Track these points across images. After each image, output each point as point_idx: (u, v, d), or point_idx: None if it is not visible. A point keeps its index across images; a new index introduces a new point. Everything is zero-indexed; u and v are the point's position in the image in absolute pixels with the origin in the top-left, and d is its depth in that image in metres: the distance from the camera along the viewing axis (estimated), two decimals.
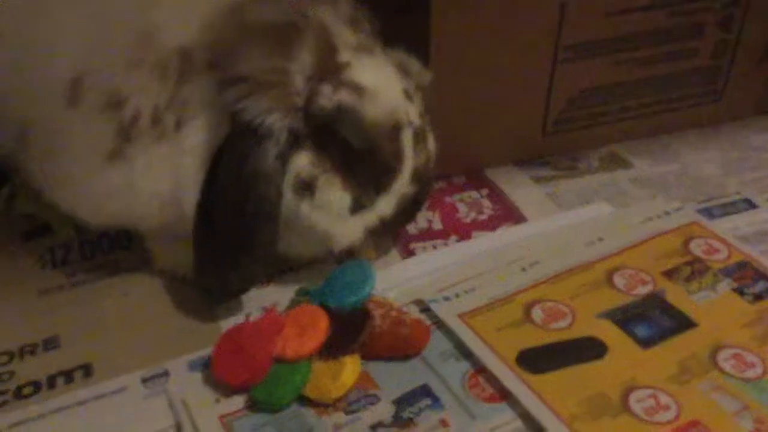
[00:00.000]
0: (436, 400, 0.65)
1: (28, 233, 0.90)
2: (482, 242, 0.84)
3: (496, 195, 0.92)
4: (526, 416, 0.62)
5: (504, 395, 0.64)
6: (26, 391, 0.69)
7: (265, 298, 0.77)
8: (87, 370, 0.71)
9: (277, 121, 0.66)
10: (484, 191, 0.93)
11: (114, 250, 0.86)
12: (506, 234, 0.85)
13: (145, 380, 0.69)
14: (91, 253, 0.86)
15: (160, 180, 0.72)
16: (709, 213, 0.86)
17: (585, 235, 0.81)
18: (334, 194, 0.70)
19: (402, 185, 0.72)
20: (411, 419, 0.63)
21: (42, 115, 0.73)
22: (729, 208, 0.87)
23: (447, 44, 0.85)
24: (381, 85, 0.69)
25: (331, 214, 0.71)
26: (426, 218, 0.88)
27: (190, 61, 0.69)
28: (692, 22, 0.94)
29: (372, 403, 0.65)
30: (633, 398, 0.63)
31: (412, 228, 0.87)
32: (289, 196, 0.69)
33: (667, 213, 0.84)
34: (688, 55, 0.97)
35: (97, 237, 0.88)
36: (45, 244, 0.88)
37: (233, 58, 0.66)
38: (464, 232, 0.86)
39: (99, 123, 0.71)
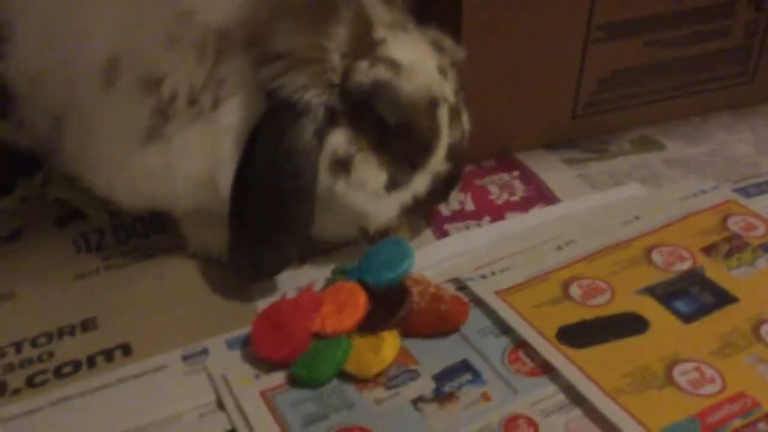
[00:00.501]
0: (476, 375, 0.64)
1: (62, 218, 0.90)
2: (516, 222, 0.83)
3: (527, 177, 0.92)
4: (568, 389, 0.62)
5: (545, 369, 0.64)
6: (66, 370, 0.70)
7: (300, 279, 0.77)
8: (126, 349, 0.71)
9: (314, 98, 0.66)
10: (515, 173, 0.92)
11: (148, 233, 0.87)
12: (540, 214, 0.84)
13: (185, 358, 0.69)
14: (125, 237, 0.86)
15: (197, 160, 0.72)
16: (744, 192, 0.85)
17: (620, 214, 0.81)
18: (370, 172, 0.70)
19: (437, 162, 0.72)
20: (452, 393, 0.63)
21: (78, 97, 0.74)
22: (765, 187, 0.87)
23: (478, 26, 0.85)
24: (416, 61, 0.69)
25: (367, 192, 0.71)
26: (458, 200, 0.88)
27: (227, 40, 0.69)
28: (724, 1, 0.93)
29: (412, 379, 0.64)
30: (677, 371, 0.62)
31: (444, 209, 0.86)
32: (324, 174, 0.69)
33: (703, 192, 0.84)
34: (719, 35, 0.96)
35: (131, 221, 0.88)
36: (79, 229, 0.88)
37: (270, 35, 0.66)
38: (497, 213, 0.86)
39: (135, 103, 0.71)
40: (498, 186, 0.90)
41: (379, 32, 0.69)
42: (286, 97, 0.66)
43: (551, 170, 0.93)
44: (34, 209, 0.92)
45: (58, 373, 0.69)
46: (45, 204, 0.92)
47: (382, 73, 0.67)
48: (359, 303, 0.67)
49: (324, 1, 0.67)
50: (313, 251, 0.80)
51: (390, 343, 0.65)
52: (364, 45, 0.68)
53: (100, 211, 0.89)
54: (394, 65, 0.68)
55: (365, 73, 0.67)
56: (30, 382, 0.68)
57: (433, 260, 0.78)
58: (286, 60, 0.66)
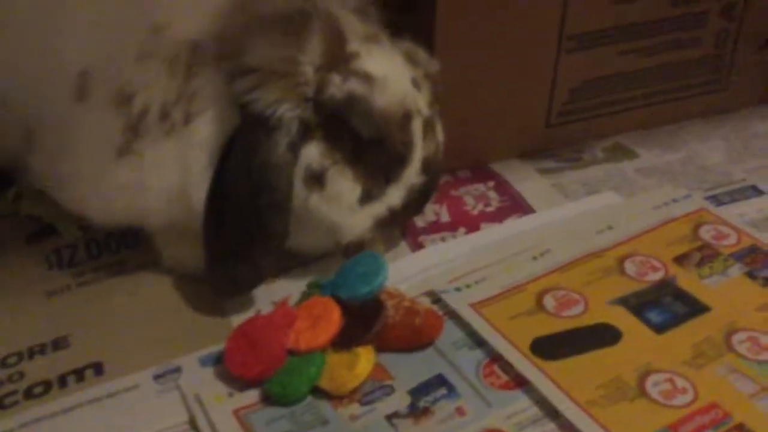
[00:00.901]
0: (451, 389, 0.64)
1: (34, 235, 0.89)
2: (491, 233, 0.83)
3: (502, 187, 0.92)
4: (542, 402, 0.62)
5: (519, 383, 0.64)
6: (37, 390, 0.68)
7: (275, 293, 0.76)
8: (98, 368, 0.70)
9: (288, 112, 0.66)
10: (490, 183, 0.93)
11: (121, 249, 0.86)
12: (515, 224, 0.85)
13: (157, 377, 0.68)
14: (98, 253, 0.85)
15: (170, 175, 0.72)
16: (716, 200, 0.86)
17: (594, 223, 0.81)
18: (345, 185, 0.70)
19: (412, 175, 0.72)
20: (427, 408, 0.63)
21: (50, 112, 0.73)
22: (736, 195, 0.87)
23: (451, 38, 0.85)
24: (390, 74, 0.69)
25: (341, 205, 0.71)
26: (433, 211, 0.88)
27: (199, 53, 0.69)
28: (695, 11, 0.94)
29: (387, 394, 0.64)
30: (650, 382, 0.62)
31: (420, 221, 0.86)
32: (299, 187, 0.69)
33: (675, 200, 0.84)
34: (691, 45, 0.97)
35: (104, 236, 0.87)
36: (51, 246, 0.87)
37: (242, 49, 0.66)
38: (472, 225, 0.86)
39: (107, 118, 0.71)
40: (473, 197, 0.91)
41: (353, 45, 0.69)
42: (260, 111, 0.66)
43: (526, 180, 0.93)
44: (5, 225, 0.90)
45: (29, 393, 0.68)
46: (16, 220, 0.91)
47: (355, 86, 0.67)
48: (333, 318, 0.66)
49: (297, 15, 0.67)
50: (289, 265, 0.80)
51: (365, 359, 0.65)
52: (338, 58, 0.68)
53: (73, 227, 0.88)
54: (368, 78, 0.68)
55: (339, 86, 0.67)
56: (0, 404, 0.67)
57: (408, 273, 0.77)
58: (259, 74, 0.65)
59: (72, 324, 0.75)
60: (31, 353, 0.73)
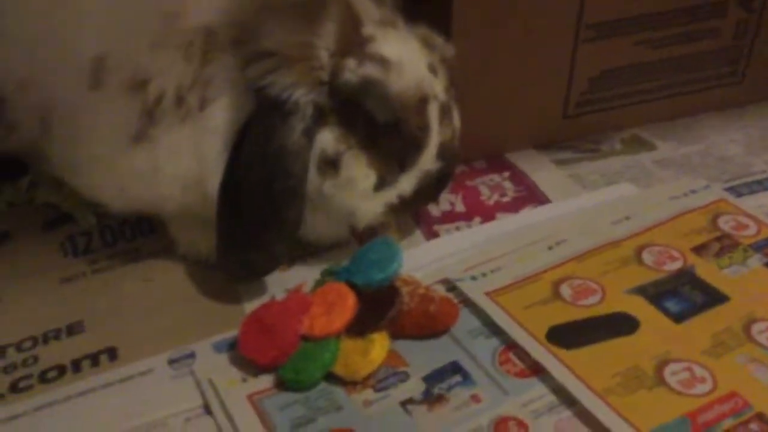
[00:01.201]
0: (466, 377, 0.64)
1: (50, 222, 0.89)
2: (507, 223, 0.83)
3: (518, 177, 0.91)
4: (558, 390, 0.62)
5: (535, 370, 0.64)
6: (51, 374, 0.69)
7: (289, 281, 0.76)
8: (112, 353, 0.70)
9: (303, 96, 0.65)
10: (506, 174, 0.92)
11: (136, 236, 0.86)
12: (531, 214, 0.84)
13: (171, 362, 0.68)
14: (113, 240, 0.85)
15: (184, 161, 0.71)
16: (735, 191, 0.85)
17: (611, 213, 0.80)
18: (360, 170, 0.69)
19: (427, 160, 0.71)
20: (442, 395, 0.62)
21: (65, 99, 0.73)
22: (755, 187, 0.86)
23: (468, 27, 0.84)
24: (406, 57, 0.68)
25: (356, 191, 0.70)
26: (448, 201, 0.87)
27: (214, 39, 0.68)
28: (714, 1, 0.93)
29: (402, 380, 0.64)
30: (668, 371, 0.62)
31: (435, 210, 0.86)
32: (313, 173, 0.69)
33: (694, 191, 0.83)
34: (710, 36, 0.96)
35: (119, 224, 0.87)
36: (66, 233, 0.87)
37: (257, 33, 0.65)
38: (488, 214, 0.85)
39: (123, 104, 0.71)
40: (489, 187, 0.90)
41: (368, 29, 0.68)
42: (275, 95, 0.65)
43: (542, 171, 0.92)
44: (22, 213, 0.91)
45: (43, 377, 0.68)
46: (32, 208, 0.91)
47: (370, 70, 0.66)
48: (348, 304, 0.66)
49: (312, 0, 0.67)
50: (303, 252, 0.80)
51: (379, 345, 0.64)
52: (353, 42, 0.67)
53: (88, 214, 0.88)
54: (383, 62, 0.67)
55: (354, 70, 0.66)
56: (14, 388, 0.67)
57: (422, 261, 0.77)
58: (274, 58, 0.65)
59: (86, 310, 0.76)
60: (46, 338, 0.73)
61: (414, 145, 0.70)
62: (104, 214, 0.85)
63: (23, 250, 0.85)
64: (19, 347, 0.72)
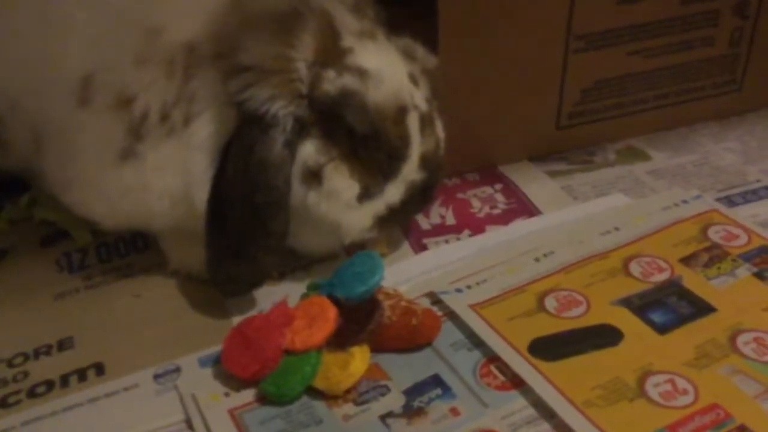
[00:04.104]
0: (446, 390, 0.63)
1: (47, 239, 0.90)
2: (495, 235, 0.83)
3: (510, 190, 0.91)
4: (538, 403, 0.61)
5: (516, 383, 0.63)
6: (39, 390, 0.69)
7: (278, 294, 0.76)
8: (99, 368, 0.71)
9: (282, 109, 0.66)
10: (498, 186, 0.92)
11: (130, 252, 0.87)
12: (520, 227, 0.84)
13: (156, 377, 0.69)
14: (107, 257, 0.86)
15: (172, 177, 0.72)
16: (729, 201, 0.84)
17: (600, 225, 0.80)
18: (342, 182, 0.70)
19: (410, 171, 0.71)
20: (421, 408, 0.62)
21: (54, 117, 0.75)
22: (750, 196, 0.85)
23: (456, 38, 0.84)
24: (384, 68, 0.68)
25: (340, 202, 0.70)
26: (438, 213, 0.87)
27: (196, 54, 0.69)
28: (707, 9, 0.93)
29: (382, 394, 0.64)
30: (649, 383, 0.61)
31: (424, 223, 0.86)
32: (297, 185, 0.69)
33: (685, 201, 0.83)
34: (704, 44, 0.95)
35: (114, 240, 0.88)
36: (63, 249, 0.88)
37: (236, 48, 0.66)
38: (477, 227, 0.85)
39: (110, 122, 0.72)
40: (480, 199, 0.90)
41: (347, 41, 0.69)
42: (255, 109, 0.66)
43: (534, 182, 0.92)
44: (21, 230, 0.92)
45: (32, 392, 0.69)
46: (31, 225, 0.92)
47: (349, 81, 0.67)
48: (329, 317, 0.66)
49: (290, 12, 0.67)
50: (294, 265, 0.80)
51: (359, 358, 0.64)
52: (331, 54, 0.68)
53: (84, 231, 0.89)
54: (362, 73, 0.67)
55: (332, 82, 0.67)
56: (3, 403, 0.68)
57: (409, 274, 0.77)
58: (252, 72, 0.66)
59: (77, 325, 0.77)
60: (37, 354, 0.74)
61: (394, 155, 0.70)
62: (101, 231, 0.86)
63: (20, 266, 0.87)
64: (10, 363, 0.73)
